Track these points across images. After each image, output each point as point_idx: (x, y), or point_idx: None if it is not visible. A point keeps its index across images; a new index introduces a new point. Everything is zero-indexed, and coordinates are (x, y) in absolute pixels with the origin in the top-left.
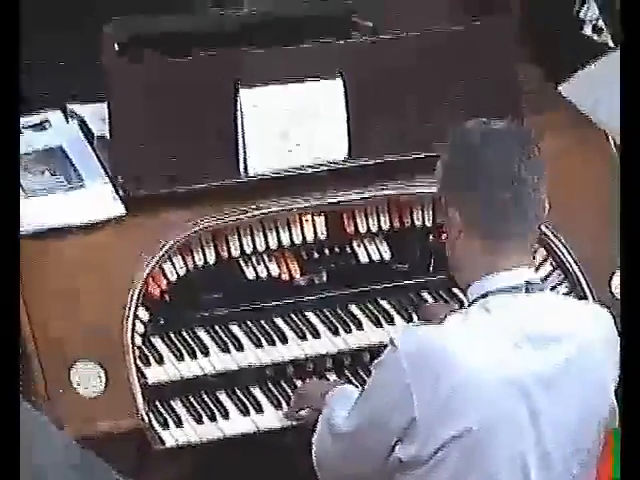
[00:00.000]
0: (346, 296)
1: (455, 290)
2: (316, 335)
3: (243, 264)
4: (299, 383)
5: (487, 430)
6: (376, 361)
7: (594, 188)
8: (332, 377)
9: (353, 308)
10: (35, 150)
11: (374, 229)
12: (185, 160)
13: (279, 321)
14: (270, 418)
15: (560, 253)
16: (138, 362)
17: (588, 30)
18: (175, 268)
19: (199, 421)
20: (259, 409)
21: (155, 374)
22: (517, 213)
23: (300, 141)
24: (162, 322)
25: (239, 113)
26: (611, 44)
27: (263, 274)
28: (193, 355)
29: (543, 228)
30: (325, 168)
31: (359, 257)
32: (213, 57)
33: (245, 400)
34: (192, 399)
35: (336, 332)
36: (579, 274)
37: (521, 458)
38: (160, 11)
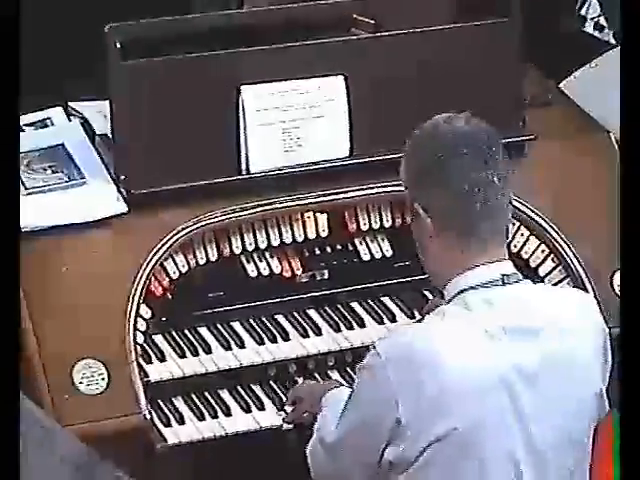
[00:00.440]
0: (348, 293)
1: None
2: (318, 332)
3: (245, 261)
4: (301, 380)
5: (473, 429)
6: (359, 365)
7: (596, 185)
8: (334, 375)
9: (355, 305)
10: (37, 148)
11: (376, 226)
12: (187, 158)
13: (281, 318)
14: (272, 416)
15: (562, 250)
16: (140, 360)
17: (589, 28)
18: (177, 266)
19: (201, 419)
20: (261, 407)
21: (157, 372)
22: (487, 212)
23: (302, 139)
24: (164, 320)
25: (241, 111)
26: (612, 41)
27: (265, 271)
28: (195, 353)
29: (545, 225)
30: (327, 165)
31: (361, 254)
32: (215, 56)
33: (247, 398)
34: (194, 397)
35: (338, 329)
36: (581, 271)
37: (511, 454)
38: (162, 11)
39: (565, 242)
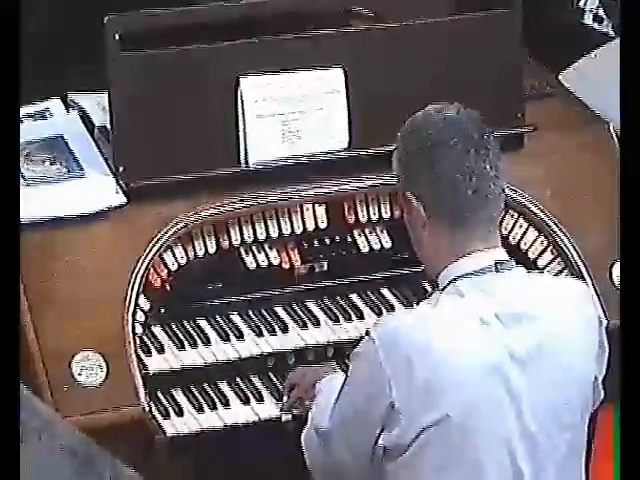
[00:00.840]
0: (347, 285)
1: None
2: (317, 324)
3: (244, 253)
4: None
5: (466, 415)
6: (353, 352)
7: (595, 176)
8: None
9: (354, 297)
10: (35, 140)
11: (375, 218)
12: (186, 150)
13: (280, 310)
14: (271, 407)
15: (561, 242)
16: (139, 351)
17: (588, 19)
18: (176, 258)
19: (200, 410)
20: (260, 398)
21: (156, 363)
22: (478, 200)
23: (301, 131)
24: (163, 311)
25: (240, 103)
26: (612, 33)
27: (264, 263)
28: (194, 344)
29: (544, 217)
30: (326, 157)
31: (360, 246)
32: (214, 47)
33: (246, 389)
34: (193, 388)
35: (337, 321)
36: (580, 263)
37: (506, 440)
38: (161, 2)
39: (564, 233)
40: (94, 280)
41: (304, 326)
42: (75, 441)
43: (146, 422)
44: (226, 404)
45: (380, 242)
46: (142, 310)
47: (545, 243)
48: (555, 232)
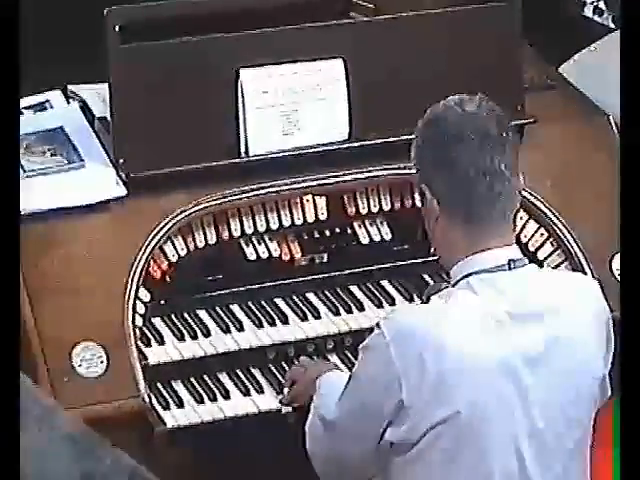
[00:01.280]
0: (347, 277)
1: None
2: (317, 316)
3: (244, 245)
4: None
5: (476, 412)
6: (362, 345)
7: (595, 168)
8: (333, 358)
9: (354, 289)
10: (36, 131)
11: (375, 210)
12: (186, 141)
13: (280, 302)
14: (271, 399)
15: (561, 234)
16: (139, 343)
17: (589, 11)
18: (176, 249)
19: (200, 402)
20: (260, 390)
21: (156, 355)
22: (492, 198)
23: (301, 122)
24: (163, 303)
25: (240, 94)
26: (612, 25)
27: (264, 255)
28: (194, 336)
29: (544, 209)
30: (326, 149)
31: (360, 238)
32: (214, 38)
33: (246, 381)
34: (193, 380)
35: (337, 313)
36: (580, 255)
37: (513, 438)
38: None
39: (564, 225)
40: (94, 271)
41: (304, 318)
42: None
43: (146, 413)
44: (226, 395)
45: (380, 234)
46: (142, 301)
47: (545, 235)
48: (555, 224)
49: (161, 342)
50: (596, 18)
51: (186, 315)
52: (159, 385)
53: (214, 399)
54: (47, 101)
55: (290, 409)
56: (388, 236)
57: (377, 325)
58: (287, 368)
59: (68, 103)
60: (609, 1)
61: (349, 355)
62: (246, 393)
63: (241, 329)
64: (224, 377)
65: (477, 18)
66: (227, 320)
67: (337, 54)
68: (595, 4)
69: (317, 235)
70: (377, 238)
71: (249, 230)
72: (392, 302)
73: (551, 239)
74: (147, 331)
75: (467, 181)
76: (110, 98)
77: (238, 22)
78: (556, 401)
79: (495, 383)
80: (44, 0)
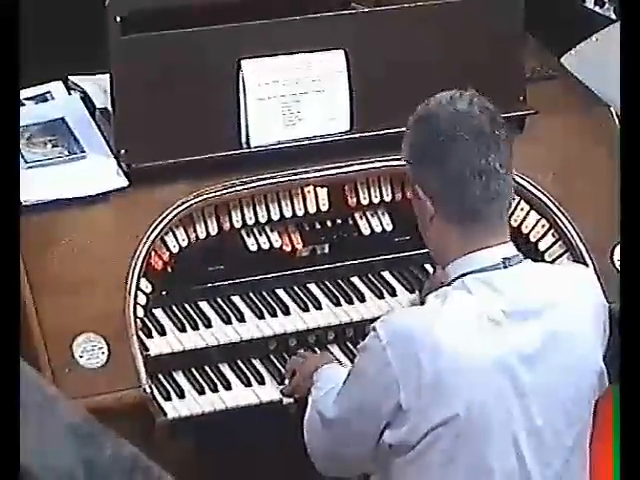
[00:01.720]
0: (348, 268)
1: None
2: (318, 307)
3: (245, 236)
4: (300, 353)
5: (475, 412)
6: (360, 345)
7: (596, 159)
8: (334, 349)
9: (355, 280)
10: (37, 122)
11: (376, 201)
12: (187, 132)
13: (281, 293)
14: (272, 390)
15: (562, 225)
16: (140, 334)
17: (590, 3)
18: (177, 240)
19: (201, 392)
20: (261, 381)
21: (157, 346)
22: (487, 197)
23: (302, 113)
24: (164, 294)
25: (241, 85)
26: (613, 17)
27: (265, 246)
28: (195, 327)
29: (545, 200)
30: (327, 140)
31: (361, 229)
32: (215, 30)
33: (247, 372)
34: (194, 371)
35: (338, 304)
36: (581, 246)
37: (512, 437)
38: None
39: (565, 217)
40: (95, 262)
41: (305, 308)
42: (76, 418)
43: (147, 404)
44: (227, 386)
45: (381, 224)
46: (143, 292)
47: (546, 226)
48: (556, 215)
49: (162, 333)
50: (597, 9)
51: (187, 306)
52: (160, 376)
53: (215, 390)
54: (48, 92)
55: (291, 400)
56: (389, 227)
57: (373, 328)
58: (288, 359)
59: (69, 94)
60: None
61: (350, 346)
62: (247, 384)
63: (242, 320)
64: (225, 368)
65: (478, 9)
66: (228, 311)
67: (338, 45)
68: None
69: (318, 226)
70: (378, 229)
71: (250, 221)
72: (393, 293)
73: (552, 230)
74: (148, 322)
75: (462, 181)
76: (111, 89)
77: (239, 13)
78: (555, 398)
79: (492, 382)
80: None
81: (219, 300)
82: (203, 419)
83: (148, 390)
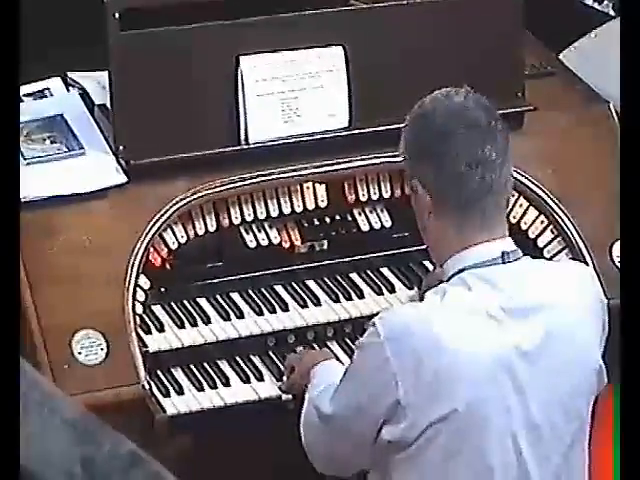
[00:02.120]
0: (347, 264)
1: None
2: (317, 303)
3: (244, 232)
4: (299, 350)
5: (474, 410)
6: (358, 342)
7: (595, 156)
8: (333, 345)
9: (354, 276)
10: (36, 118)
11: (375, 197)
12: (186, 129)
13: (280, 289)
14: (271, 386)
15: (561, 221)
16: (139, 330)
17: None
18: (176, 236)
19: (200, 389)
20: (260, 377)
21: (156, 342)
22: (485, 190)
23: (301, 109)
24: (163, 290)
25: (240, 81)
26: (612, 13)
27: (264, 242)
28: (194, 323)
29: (544, 196)
30: (326, 136)
31: (360, 225)
32: (214, 26)
33: (246, 368)
34: (193, 367)
35: (337, 300)
36: (580, 242)
37: (511, 433)
38: None
39: (564, 213)
40: (94, 259)
41: (304, 305)
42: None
43: (146, 401)
44: (226, 383)
45: (380, 221)
46: (142, 289)
47: (545, 222)
48: (555, 211)
49: (161, 329)
50: (596, 6)
51: (186, 302)
52: (159, 372)
53: (214, 386)
54: (47, 89)
55: (290, 396)
56: (388, 223)
57: (372, 324)
58: (287, 355)
59: (68, 91)
60: None
61: (349, 342)
62: (246, 380)
63: (241, 316)
64: (224, 364)
65: (478, 5)
66: (227, 307)
67: (337, 41)
68: None
69: (317, 222)
70: (377, 225)
71: (249, 217)
72: (392, 289)
73: (551, 226)
74: (147, 318)
75: (459, 173)
76: (110, 85)
77: (238, 10)
78: (554, 394)
79: (492, 379)
80: None
81: (218, 297)
82: (202, 415)
83: (147, 386)
